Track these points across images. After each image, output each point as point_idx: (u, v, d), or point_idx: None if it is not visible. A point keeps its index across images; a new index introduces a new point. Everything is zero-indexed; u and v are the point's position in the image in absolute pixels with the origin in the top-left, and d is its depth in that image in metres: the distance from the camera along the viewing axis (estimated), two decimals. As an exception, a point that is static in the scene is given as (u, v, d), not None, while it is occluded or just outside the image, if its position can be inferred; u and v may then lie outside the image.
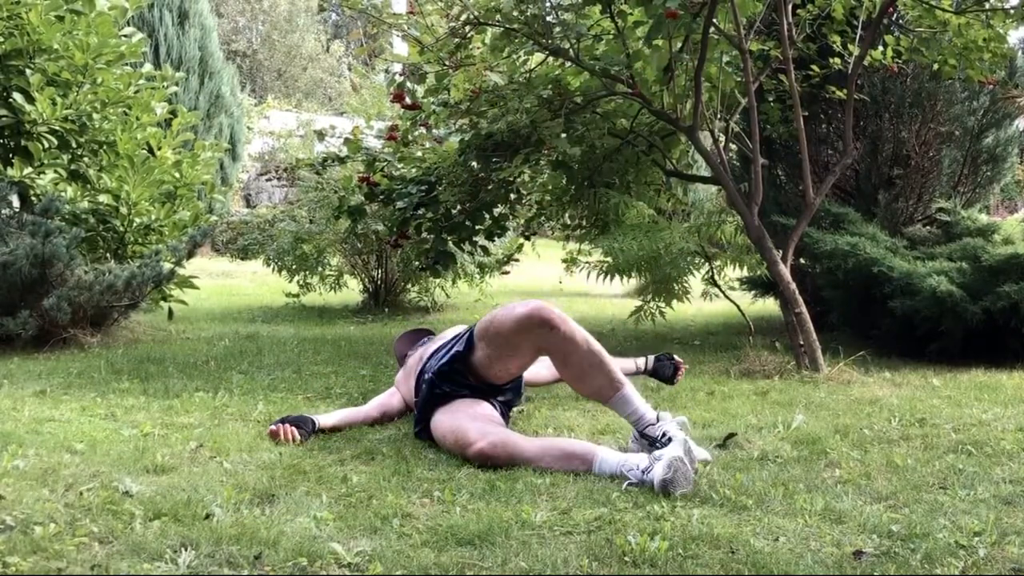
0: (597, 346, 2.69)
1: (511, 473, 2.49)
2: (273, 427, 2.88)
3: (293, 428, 2.85)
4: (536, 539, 2.00)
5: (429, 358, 3.03)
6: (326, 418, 3.00)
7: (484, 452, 2.55)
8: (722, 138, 4.60)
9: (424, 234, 5.09)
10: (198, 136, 9.90)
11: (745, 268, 5.68)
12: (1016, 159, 5.87)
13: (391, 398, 3.26)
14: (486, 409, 2.84)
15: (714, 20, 4.08)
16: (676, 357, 3.62)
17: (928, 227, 5.25)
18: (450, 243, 5.07)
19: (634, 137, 4.78)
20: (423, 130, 4.94)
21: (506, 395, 2.98)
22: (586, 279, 5.65)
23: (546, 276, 9.66)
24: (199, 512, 2.13)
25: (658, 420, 2.59)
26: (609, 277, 5.28)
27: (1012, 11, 4.35)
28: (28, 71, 5.10)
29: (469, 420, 2.70)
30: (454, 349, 2.89)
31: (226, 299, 8.39)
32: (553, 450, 2.55)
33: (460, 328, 3.19)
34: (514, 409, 3.22)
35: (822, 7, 4.54)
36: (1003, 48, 4.43)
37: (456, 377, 2.86)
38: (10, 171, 5.31)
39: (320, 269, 7.42)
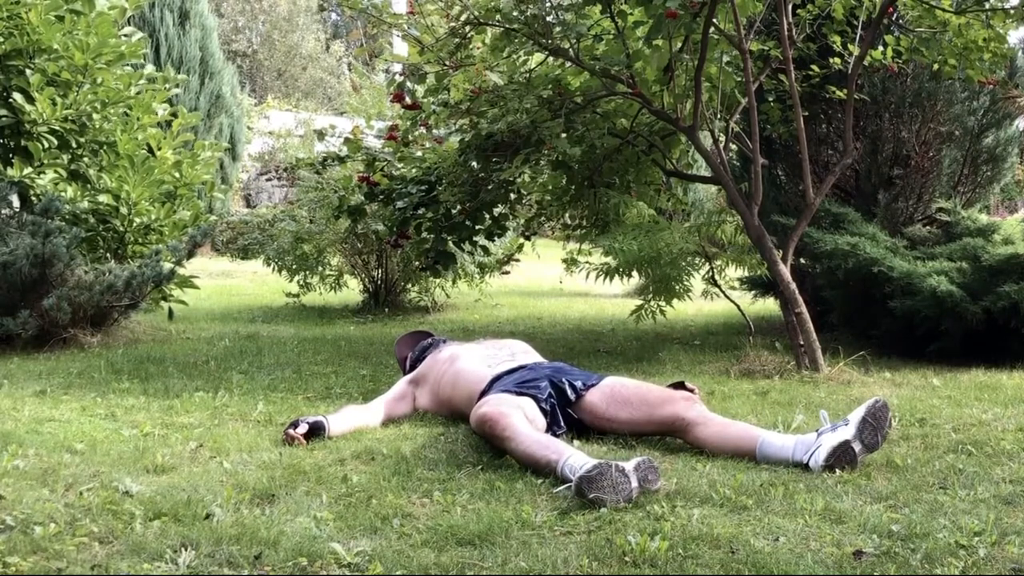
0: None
1: (511, 473, 2.50)
2: (289, 434, 2.85)
3: (302, 436, 2.84)
4: (536, 539, 2.00)
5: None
6: (337, 425, 2.97)
7: None
8: (722, 138, 4.60)
9: (424, 234, 5.08)
10: (198, 136, 9.91)
11: (745, 268, 5.68)
12: (1016, 159, 5.87)
13: (397, 405, 3.24)
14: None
15: (714, 20, 4.08)
16: (687, 384, 3.11)
17: (928, 227, 5.24)
18: (450, 243, 5.06)
19: (634, 137, 4.77)
20: (423, 130, 4.94)
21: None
22: (585, 279, 5.65)
23: (546, 276, 9.65)
24: (199, 512, 2.14)
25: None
26: (609, 278, 5.29)
27: (1012, 11, 4.35)
28: (28, 71, 5.10)
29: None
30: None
31: (226, 299, 8.39)
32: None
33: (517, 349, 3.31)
34: None
35: (822, 7, 4.54)
36: (1003, 48, 4.43)
37: None
38: (10, 171, 5.31)
39: (320, 269, 7.42)
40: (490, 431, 2.67)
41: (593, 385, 2.99)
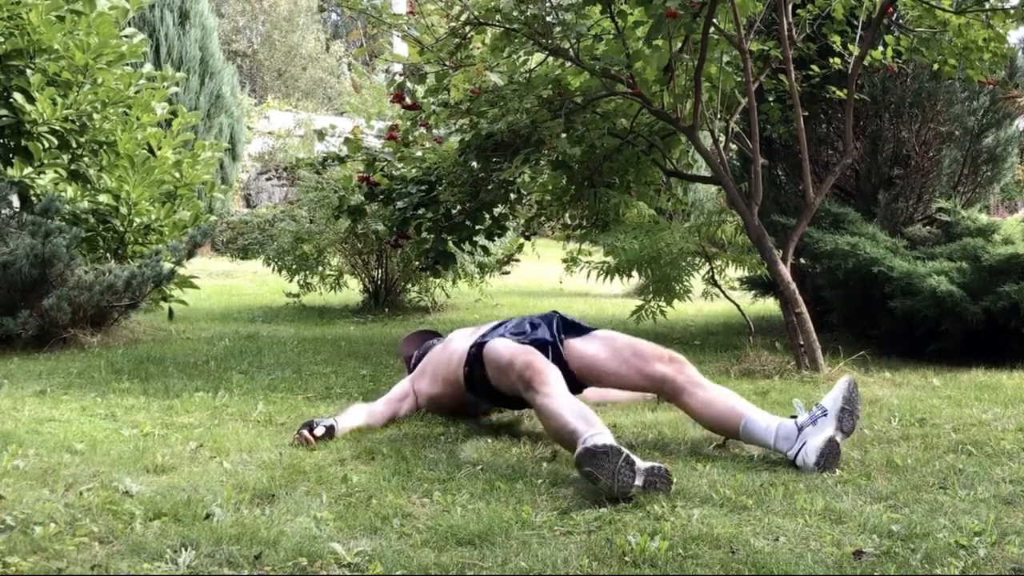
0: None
1: (511, 473, 2.50)
2: (303, 435, 2.84)
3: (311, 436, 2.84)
4: (536, 539, 2.00)
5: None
6: (344, 423, 2.96)
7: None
8: (722, 138, 4.60)
9: (424, 234, 5.09)
10: (198, 136, 9.92)
11: (745, 268, 5.68)
12: (1016, 159, 5.86)
13: (400, 404, 3.23)
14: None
15: (714, 20, 4.08)
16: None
17: (928, 227, 5.24)
18: (450, 243, 5.06)
19: (634, 137, 4.77)
20: (423, 130, 4.94)
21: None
22: (585, 279, 5.65)
23: (546, 276, 9.66)
24: (199, 512, 2.14)
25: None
26: (609, 277, 5.28)
27: (1012, 11, 4.35)
28: (28, 71, 5.10)
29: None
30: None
31: (226, 299, 8.39)
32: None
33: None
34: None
35: (822, 7, 4.54)
36: (1003, 48, 4.43)
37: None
38: (10, 171, 5.31)
39: (320, 269, 7.43)
40: (528, 378, 2.64)
41: (586, 333, 2.99)
